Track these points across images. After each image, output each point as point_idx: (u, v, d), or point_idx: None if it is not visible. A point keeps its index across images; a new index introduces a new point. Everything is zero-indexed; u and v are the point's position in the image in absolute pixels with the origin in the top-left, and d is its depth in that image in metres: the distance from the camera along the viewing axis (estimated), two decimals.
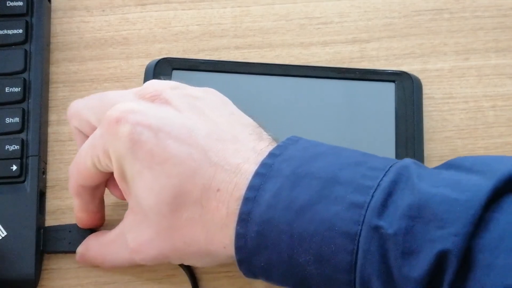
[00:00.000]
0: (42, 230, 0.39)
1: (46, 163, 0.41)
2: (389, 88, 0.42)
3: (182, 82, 0.42)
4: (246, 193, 0.31)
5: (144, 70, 0.43)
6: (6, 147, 0.40)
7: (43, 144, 0.41)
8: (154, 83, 0.36)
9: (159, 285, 0.39)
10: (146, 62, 0.43)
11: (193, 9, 0.46)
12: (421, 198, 0.28)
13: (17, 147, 0.40)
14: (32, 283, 0.37)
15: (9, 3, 0.43)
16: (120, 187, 0.34)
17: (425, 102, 0.43)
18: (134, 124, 0.32)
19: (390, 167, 0.30)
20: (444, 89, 0.44)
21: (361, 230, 0.28)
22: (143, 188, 0.32)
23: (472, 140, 0.43)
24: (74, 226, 0.39)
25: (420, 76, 0.43)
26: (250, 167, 0.31)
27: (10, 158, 0.40)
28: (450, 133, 0.43)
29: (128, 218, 0.35)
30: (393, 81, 0.42)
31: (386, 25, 0.46)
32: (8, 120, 0.41)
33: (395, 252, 0.28)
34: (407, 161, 0.31)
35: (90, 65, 0.45)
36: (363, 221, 0.28)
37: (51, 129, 0.43)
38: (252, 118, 0.36)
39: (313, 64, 0.45)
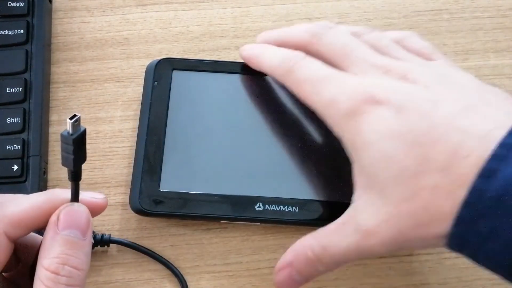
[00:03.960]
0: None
1: (47, 163, 0.42)
2: None
3: (182, 83, 0.42)
4: (496, 150, 0.28)
5: (144, 70, 0.43)
6: (7, 147, 0.40)
7: (44, 144, 0.41)
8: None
9: (160, 285, 0.39)
10: (147, 62, 0.43)
11: (193, 9, 0.47)
12: None
13: (18, 147, 0.40)
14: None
15: (10, 4, 0.44)
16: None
17: None
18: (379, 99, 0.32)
19: None
20: None
21: None
22: (382, 158, 0.31)
23: None
24: None
25: None
26: (502, 132, 0.29)
27: (11, 158, 0.40)
28: None
29: (361, 199, 0.32)
30: None
31: (385, 25, 0.46)
32: (9, 120, 0.41)
33: None
34: None
35: (90, 65, 0.45)
36: None
37: (52, 129, 0.43)
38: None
39: None
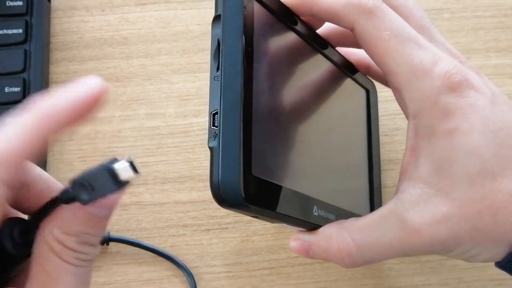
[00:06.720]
0: None
1: (46, 163, 0.41)
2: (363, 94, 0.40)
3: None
4: None
5: (143, 70, 0.42)
6: None
7: None
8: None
9: (159, 285, 0.39)
10: (146, 62, 0.43)
11: (193, 8, 0.46)
12: None
13: None
14: None
15: (8, 3, 0.43)
16: (411, 145, 0.29)
17: None
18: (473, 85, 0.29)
19: None
20: None
21: None
22: (468, 152, 0.27)
23: None
24: None
25: None
26: None
27: None
28: None
29: (408, 192, 0.29)
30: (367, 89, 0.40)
31: None
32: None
33: None
34: None
35: (89, 64, 0.45)
36: None
37: None
38: None
39: None
